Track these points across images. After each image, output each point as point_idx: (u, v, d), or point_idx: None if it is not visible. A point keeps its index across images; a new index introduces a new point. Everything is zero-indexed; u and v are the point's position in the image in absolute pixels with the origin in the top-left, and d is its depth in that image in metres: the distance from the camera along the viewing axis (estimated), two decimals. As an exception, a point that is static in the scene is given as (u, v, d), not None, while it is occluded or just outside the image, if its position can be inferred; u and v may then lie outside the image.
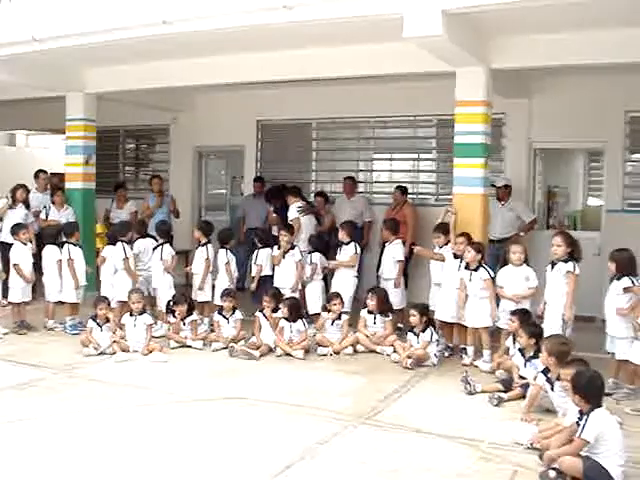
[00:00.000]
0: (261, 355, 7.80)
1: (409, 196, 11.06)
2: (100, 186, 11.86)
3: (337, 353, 7.97)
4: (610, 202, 10.46)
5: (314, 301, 9.09)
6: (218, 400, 6.29)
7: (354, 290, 8.93)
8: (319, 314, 8.69)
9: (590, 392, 4.70)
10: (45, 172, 11.78)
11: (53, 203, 10.93)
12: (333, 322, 8.20)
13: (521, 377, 6.51)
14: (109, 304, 8.25)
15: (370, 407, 6.12)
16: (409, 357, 7.46)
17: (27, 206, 10.73)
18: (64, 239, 9.13)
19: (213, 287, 9.13)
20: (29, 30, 8.51)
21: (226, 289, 8.75)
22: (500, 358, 7.22)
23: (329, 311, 8.29)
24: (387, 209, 10.78)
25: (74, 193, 11.26)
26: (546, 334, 6.64)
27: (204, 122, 12.91)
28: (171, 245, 9.50)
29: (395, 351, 7.80)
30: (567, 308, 6.94)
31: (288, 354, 7.83)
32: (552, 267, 7.10)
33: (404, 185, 10.97)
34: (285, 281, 8.98)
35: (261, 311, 8.31)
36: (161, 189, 11.82)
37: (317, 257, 9.21)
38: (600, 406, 4.67)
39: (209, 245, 9.18)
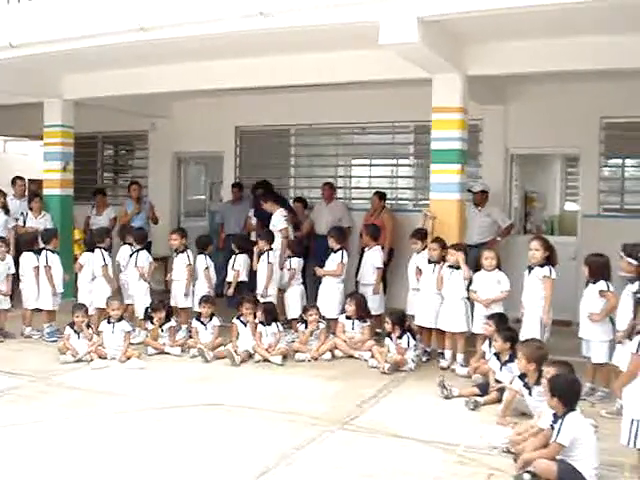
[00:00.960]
0: (242, 361, 7.81)
1: (387, 202, 11.12)
2: (78, 192, 11.80)
3: (315, 359, 7.99)
4: (586, 207, 10.57)
5: (293, 306, 9.10)
6: (195, 406, 6.29)
7: (341, 297, 8.92)
8: (297, 319, 8.71)
9: (567, 395, 4.75)
10: (22, 179, 11.74)
11: (31, 209, 10.87)
12: (312, 333, 8.23)
13: (497, 381, 6.55)
14: (87, 311, 8.21)
15: (347, 412, 6.14)
16: (387, 362, 7.49)
17: (6, 211, 10.68)
18: (42, 245, 9.09)
19: (193, 293, 9.11)
20: (6, 36, 8.49)
21: (204, 295, 8.74)
22: (477, 362, 7.28)
23: (305, 321, 8.30)
24: (365, 215, 10.81)
25: (52, 199, 11.21)
26: (524, 338, 6.71)
27: (183, 128, 12.89)
28: (149, 251, 9.47)
29: (373, 356, 7.83)
30: (545, 312, 7.01)
31: (266, 360, 7.85)
32: (529, 272, 7.16)
33: (382, 191, 11.01)
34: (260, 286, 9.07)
35: (238, 317, 8.32)
36: (139, 195, 11.79)
37: (296, 262, 9.22)
38: (574, 410, 4.72)
39: (189, 251, 9.17)
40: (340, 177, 12.54)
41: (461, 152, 8.50)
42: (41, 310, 8.99)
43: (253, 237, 10.31)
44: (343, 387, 7.01)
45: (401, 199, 11.95)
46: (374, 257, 8.96)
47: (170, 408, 6.25)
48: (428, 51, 7.24)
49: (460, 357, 7.66)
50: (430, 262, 8.02)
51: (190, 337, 8.50)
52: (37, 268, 8.92)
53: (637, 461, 4.56)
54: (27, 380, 7.05)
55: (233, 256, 9.42)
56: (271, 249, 9.13)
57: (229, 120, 12.61)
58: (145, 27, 7.73)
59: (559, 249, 7.43)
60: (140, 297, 8.97)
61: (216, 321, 8.47)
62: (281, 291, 9.27)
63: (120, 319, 8.09)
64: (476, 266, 7.85)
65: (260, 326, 8.11)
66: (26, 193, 11.56)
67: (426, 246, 8.18)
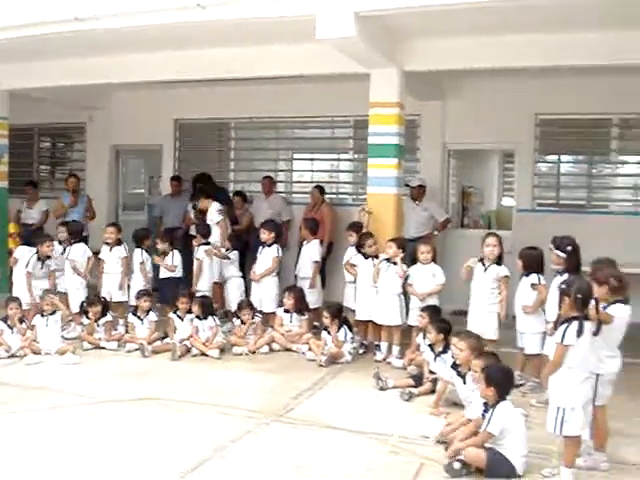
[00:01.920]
0: (179, 356, 7.77)
1: (329, 196, 11.17)
2: (13, 185, 11.55)
3: (253, 352, 7.99)
4: (521, 202, 10.82)
5: (232, 298, 9.15)
6: (131, 401, 6.22)
7: (277, 290, 8.95)
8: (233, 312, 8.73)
9: (503, 385, 4.86)
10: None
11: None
12: (246, 333, 8.25)
13: (431, 372, 6.65)
14: (20, 305, 8.06)
15: (283, 405, 6.16)
16: (323, 355, 7.54)
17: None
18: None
19: (128, 287, 9.03)
20: None
21: (141, 290, 8.67)
22: (412, 354, 7.39)
23: (240, 318, 8.30)
24: (305, 209, 10.84)
25: (-14, 193, 10.97)
26: (479, 332, 6.85)
27: (121, 121, 12.72)
28: (86, 244, 9.33)
29: (310, 349, 7.87)
30: (504, 310, 7.06)
31: (204, 354, 7.83)
32: (485, 269, 7.18)
33: (322, 185, 11.06)
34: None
35: (175, 312, 8.28)
36: (76, 188, 11.57)
37: (233, 255, 9.22)
38: (505, 399, 4.83)
39: (124, 244, 9.07)
40: (280, 171, 12.56)
41: (398, 147, 8.59)
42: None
43: (193, 231, 10.24)
44: (280, 380, 7.02)
45: (342, 193, 12.02)
46: (312, 251, 9.01)
47: (105, 403, 6.18)
48: (365, 46, 7.30)
49: (396, 349, 7.76)
50: (366, 256, 8.09)
51: (127, 332, 8.41)
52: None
53: (563, 448, 4.68)
54: (-43, 377, 6.90)
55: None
56: (208, 243, 9.08)
57: (168, 113, 12.50)
58: (80, 17, 7.62)
59: (496, 244, 7.56)
60: (74, 291, 8.84)
61: (153, 316, 8.41)
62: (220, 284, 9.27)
63: (53, 312, 7.97)
64: (413, 259, 7.96)
65: (196, 320, 8.08)
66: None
67: (361, 239, 8.24)
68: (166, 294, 8.87)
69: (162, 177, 12.91)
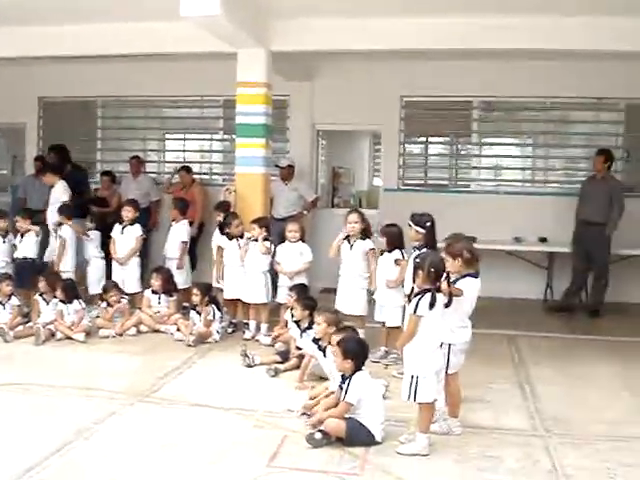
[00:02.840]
0: (44, 340, 7.56)
1: (199, 176, 11.10)
2: None
3: (120, 334, 7.88)
4: (387, 182, 11.11)
5: (93, 281, 9.01)
6: (-10, 387, 6.05)
7: (139, 270, 8.85)
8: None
9: (359, 356, 5.00)
10: None
11: None
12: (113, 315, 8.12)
13: (298, 348, 6.78)
14: None
15: (149, 385, 6.12)
16: (192, 334, 7.54)
17: None
18: None
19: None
20: None
21: (4, 273, 8.38)
22: (280, 330, 7.50)
23: (107, 302, 8.15)
24: (175, 188, 10.70)
25: None
26: (346, 308, 7.06)
27: (-19, 98, 12.14)
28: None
29: (179, 330, 7.84)
30: (374, 282, 7.21)
31: (69, 338, 7.66)
32: (351, 246, 7.33)
33: (188, 165, 10.98)
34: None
35: (41, 295, 8.05)
36: None
37: (96, 235, 9.07)
38: (361, 369, 4.99)
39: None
40: (150, 151, 12.35)
41: (266, 127, 8.64)
42: None
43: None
44: (146, 361, 6.96)
45: (214, 173, 11.96)
46: (180, 231, 8.95)
47: (-39, 389, 5.98)
48: (230, 25, 7.24)
49: (264, 327, 7.86)
50: (230, 237, 8.13)
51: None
52: None
53: (417, 415, 4.88)
54: None
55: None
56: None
57: (31, 90, 11.96)
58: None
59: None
60: None
61: (15, 300, 8.13)
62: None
63: None
64: (282, 238, 8.06)
65: (61, 304, 7.88)
66: None
67: (226, 219, 8.23)
68: (23, 277, 8.59)
69: (26, 157, 12.41)
